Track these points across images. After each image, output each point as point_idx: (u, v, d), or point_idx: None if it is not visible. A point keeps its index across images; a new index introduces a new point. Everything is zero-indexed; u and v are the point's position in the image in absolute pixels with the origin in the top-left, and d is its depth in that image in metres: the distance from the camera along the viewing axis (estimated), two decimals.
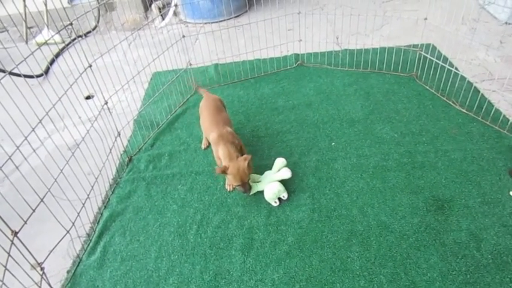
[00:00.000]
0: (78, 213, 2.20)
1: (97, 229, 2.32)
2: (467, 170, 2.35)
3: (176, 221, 2.31)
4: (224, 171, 2.21)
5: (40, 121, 1.97)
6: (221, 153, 2.29)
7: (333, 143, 2.69)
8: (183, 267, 2.05)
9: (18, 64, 1.91)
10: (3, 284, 1.65)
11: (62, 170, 2.12)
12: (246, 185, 2.26)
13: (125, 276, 2.05)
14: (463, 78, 3.09)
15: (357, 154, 2.57)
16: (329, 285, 1.86)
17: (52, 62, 3.94)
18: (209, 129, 2.45)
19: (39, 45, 2.09)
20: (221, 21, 4.89)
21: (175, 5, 5.14)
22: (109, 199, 2.51)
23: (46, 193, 1.99)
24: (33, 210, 1.85)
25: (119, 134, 2.74)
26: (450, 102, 2.94)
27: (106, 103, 2.59)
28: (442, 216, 2.10)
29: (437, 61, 3.09)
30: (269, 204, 2.32)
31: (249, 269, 1.99)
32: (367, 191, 2.31)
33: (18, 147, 1.80)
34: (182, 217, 2.33)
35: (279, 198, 2.33)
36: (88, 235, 2.29)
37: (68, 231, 2.11)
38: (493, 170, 2.32)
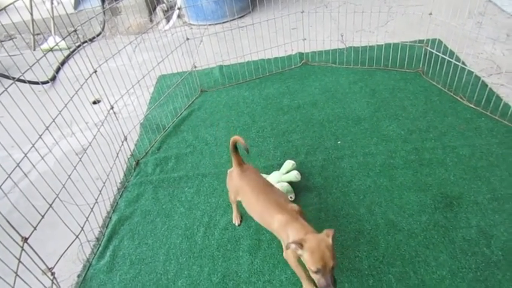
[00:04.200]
0: (87, 218, 2.23)
1: (106, 233, 2.34)
2: (476, 166, 2.31)
3: (184, 224, 2.32)
4: (300, 244, 1.53)
5: (47, 128, 2.00)
6: (294, 233, 1.65)
7: (339, 142, 2.67)
8: (192, 270, 2.06)
9: (25, 71, 1.94)
10: None
11: (69, 176, 2.14)
12: (328, 273, 1.49)
13: (134, 279, 2.06)
14: (470, 72, 3.05)
15: (364, 152, 2.55)
16: (337, 285, 1.85)
17: (58, 68, 3.99)
18: (268, 213, 1.80)
19: (46, 51, 2.11)
20: (225, 22, 4.90)
21: (179, 8, 5.17)
22: (117, 203, 2.53)
23: (55, 199, 2.01)
24: (42, 216, 1.88)
25: (126, 139, 2.76)
26: (457, 98, 2.91)
27: (112, 108, 2.61)
28: (451, 214, 2.07)
29: (444, 56, 3.06)
30: None
31: (257, 270, 2.00)
32: (374, 190, 2.29)
33: (26, 155, 1.82)
34: (189, 220, 2.34)
35: None
36: (97, 239, 2.31)
37: (77, 236, 2.13)
38: (503, 166, 2.29)
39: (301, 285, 1.85)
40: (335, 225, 2.13)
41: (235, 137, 1.97)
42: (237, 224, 2.23)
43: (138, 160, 2.85)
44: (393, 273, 1.86)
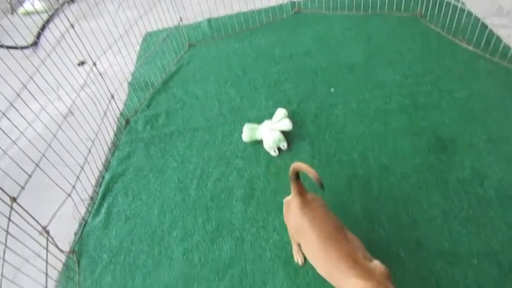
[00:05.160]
0: (78, 176, 2.21)
1: (100, 191, 2.34)
2: (472, 108, 2.26)
3: (177, 178, 2.30)
4: None
5: (31, 94, 1.93)
6: None
7: (332, 90, 2.60)
8: (186, 221, 2.07)
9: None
10: (10, 249, 1.67)
11: (55, 136, 2.10)
12: None
13: (130, 233, 2.08)
14: (469, 13, 2.92)
15: (357, 99, 2.49)
16: None
17: (39, 33, 3.83)
18: (340, 272, 1.31)
19: (25, 14, 2.00)
20: None
21: None
22: (109, 162, 2.51)
23: (41, 158, 1.98)
24: (30, 176, 1.85)
25: (113, 97, 2.70)
26: (456, 40, 2.79)
27: (95, 64, 2.52)
28: (445, 156, 2.05)
29: None
30: (268, 154, 2.29)
31: (251, 217, 2.00)
32: (367, 135, 2.25)
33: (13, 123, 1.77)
34: (182, 173, 2.32)
35: (279, 148, 2.29)
36: (91, 198, 2.31)
37: (69, 195, 2.13)
38: (500, 107, 2.23)
39: None
40: (328, 171, 2.11)
41: (299, 165, 1.48)
42: (300, 264, 1.75)
43: (128, 119, 2.80)
44: (385, 214, 1.86)
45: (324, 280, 1.67)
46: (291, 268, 1.77)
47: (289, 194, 1.95)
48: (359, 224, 1.84)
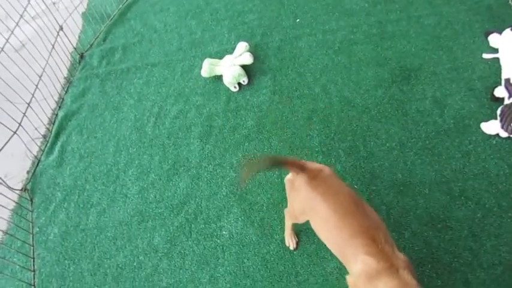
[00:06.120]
0: (24, 114, 2.09)
1: (53, 130, 2.23)
2: (439, 35, 2.15)
3: (133, 115, 2.21)
4: None
5: None
6: None
7: (298, 20, 2.44)
8: (142, 159, 2.01)
9: None
10: None
11: None
12: None
13: (84, 172, 2.03)
14: None
15: (323, 29, 2.34)
16: None
17: None
18: (353, 248, 1.17)
19: None
20: None
21: None
22: (63, 99, 2.38)
23: None
24: None
25: (61, 28, 2.48)
26: None
27: None
28: (408, 86, 1.98)
29: None
30: (228, 89, 2.19)
31: (208, 155, 1.95)
32: (331, 68, 2.15)
33: None
34: (139, 111, 2.22)
35: (239, 84, 2.19)
36: (44, 136, 2.22)
37: (15, 132, 2.01)
38: (468, 33, 2.12)
39: None
40: (288, 106, 2.04)
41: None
42: (292, 248, 1.61)
43: (83, 53, 2.61)
44: (343, 148, 1.83)
45: (277, 215, 1.68)
46: (245, 204, 1.76)
47: (246, 129, 1.89)
48: (316, 158, 1.82)
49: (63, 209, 1.90)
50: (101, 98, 2.34)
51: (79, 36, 2.73)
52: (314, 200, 1.26)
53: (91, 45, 2.66)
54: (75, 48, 2.61)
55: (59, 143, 2.17)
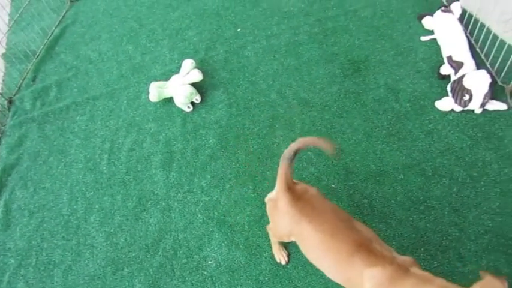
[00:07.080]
0: None
1: None
2: (378, 25, 2.22)
3: (83, 156, 2.02)
4: None
5: None
6: None
7: (239, 29, 2.40)
8: (102, 202, 1.84)
9: None
10: None
11: None
12: None
13: (38, 229, 1.81)
14: None
15: (266, 35, 2.32)
16: (259, 175, 1.77)
17: None
18: (352, 267, 1.11)
19: None
20: None
21: None
22: None
23: None
24: None
25: None
26: None
27: None
28: (360, 78, 2.01)
29: None
30: (182, 111, 2.08)
31: (174, 183, 1.83)
32: (282, 72, 2.13)
33: None
34: (88, 150, 2.04)
35: (192, 103, 2.09)
36: None
37: None
38: (403, 20, 2.22)
39: (224, 185, 1.73)
40: (248, 117, 1.98)
41: (305, 141, 1.25)
42: (284, 263, 1.52)
43: (11, 98, 2.36)
44: (312, 150, 1.80)
45: (261, 231, 1.61)
46: (225, 227, 1.67)
47: (210, 148, 1.81)
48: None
49: (21, 277, 1.67)
50: (42, 143, 2.11)
51: (3, 80, 2.48)
52: (299, 222, 1.20)
53: (19, 88, 2.41)
54: (1, 94, 2.35)
55: (1, 202, 1.92)
